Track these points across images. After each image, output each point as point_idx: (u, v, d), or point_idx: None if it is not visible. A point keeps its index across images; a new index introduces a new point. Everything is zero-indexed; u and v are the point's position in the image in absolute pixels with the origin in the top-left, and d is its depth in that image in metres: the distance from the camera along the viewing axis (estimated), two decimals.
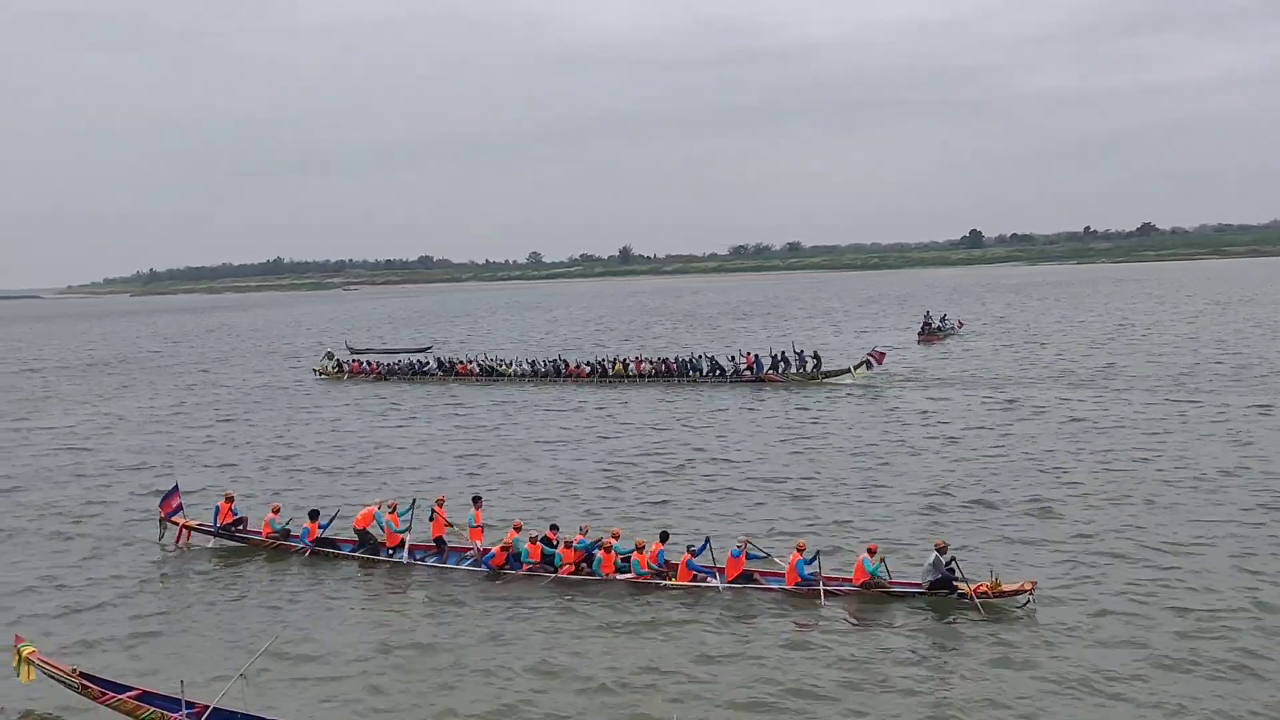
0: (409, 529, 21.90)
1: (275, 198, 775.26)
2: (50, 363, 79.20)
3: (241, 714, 13.31)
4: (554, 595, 19.08)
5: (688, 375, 49.81)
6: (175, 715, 13.31)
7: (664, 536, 20.22)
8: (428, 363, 57.60)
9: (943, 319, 75.65)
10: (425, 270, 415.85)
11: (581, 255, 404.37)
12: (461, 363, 55.89)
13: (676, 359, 51.89)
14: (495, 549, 20.51)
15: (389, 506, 22.50)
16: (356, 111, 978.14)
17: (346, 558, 21.94)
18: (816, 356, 50.26)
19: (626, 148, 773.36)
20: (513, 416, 41.15)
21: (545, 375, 52.25)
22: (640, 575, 19.33)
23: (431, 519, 21.73)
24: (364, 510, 22.93)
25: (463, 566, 20.91)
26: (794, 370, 49.01)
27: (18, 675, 14.09)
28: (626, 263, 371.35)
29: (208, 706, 13.20)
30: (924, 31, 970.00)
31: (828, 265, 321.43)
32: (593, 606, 18.41)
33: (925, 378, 48.23)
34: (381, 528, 22.10)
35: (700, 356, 52.01)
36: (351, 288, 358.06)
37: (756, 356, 50.47)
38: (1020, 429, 33.88)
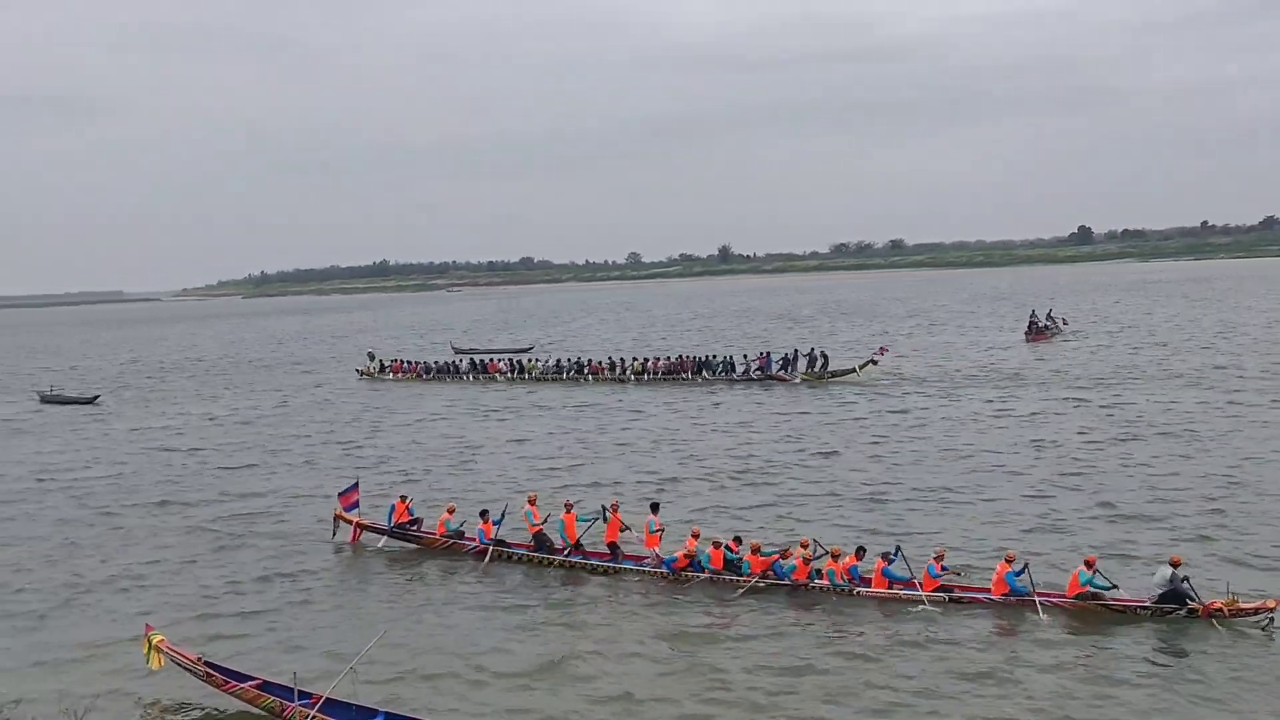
0: (584, 529, 21.51)
1: (381, 201, 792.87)
2: (171, 361, 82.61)
3: (355, 705, 13.88)
4: (746, 602, 18.78)
5: (700, 374, 51.87)
6: (291, 705, 13.93)
7: (860, 551, 19.37)
8: (461, 363, 60.91)
9: (1048, 317, 73.91)
10: (526, 271, 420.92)
11: (681, 255, 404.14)
12: (491, 361, 59.38)
13: (691, 357, 54.04)
14: (678, 554, 20.12)
15: (564, 506, 22.26)
16: (458, 114, 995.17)
17: (522, 559, 21.73)
18: (824, 356, 51.83)
19: (726, 146, 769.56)
20: (578, 417, 42.06)
21: (569, 373, 55.10)
22: (835, 585, 18.83)
23: (605, 522, 21.38)
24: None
25: (641, 568, 20.56)
26: (803, 370, 50.54)
27: (148, 662, 14.88)
28: (726, 262, 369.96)
29: (321, 697, 13.78)
30: (1031, 22, 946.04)
31: (931, 263, 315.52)
32: (800, 615, 17.97)
33: (1038, 378, 47.34)
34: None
35: (713, 356, 54.24)
36: (455, 289, 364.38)
37: (768, 356, 52.73)
38: (1174, 429, 32.99)
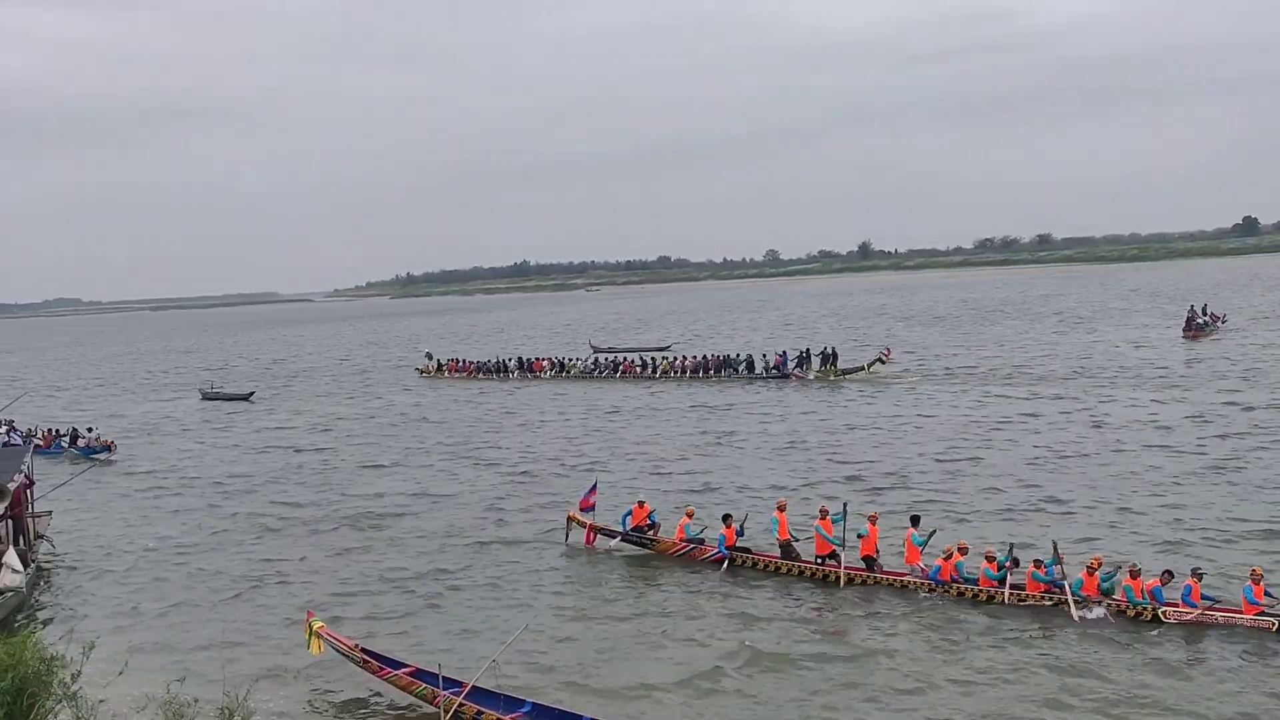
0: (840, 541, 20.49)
1: (524, 203, 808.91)
2: (319, 359, 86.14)
3: (502, 694, 14.44)
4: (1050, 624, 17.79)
5: (723, 373, 55.59)
6: (443, 692, 14.57)
7: (1167, 575, 17.93)
8: (510, 361, 64.82)
9: (1204, 312, 70.44)
10: (664, 270, 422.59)
11: (820, 252, 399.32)
12: (536, 360, 63.76)
13: (716, 356, 57.84)
14: (941, 563, 19.31)
15: (819, 512, 21.07)
16: (599, 117, 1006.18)
17: (767, 568, 21.09)
18: (835, 354, 54.72)
19: (866, 142, 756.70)
20: (658, 413, 43.89)
21: (604, 372, 59.63)
22: (1134, 603, 17.75)
23: (862, 536, 20.28)
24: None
25: (903, 581, 19.66)
26: (816, 368, 53.55)
27: (309, 647, 15.79)
28: (866, 258, 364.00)
29: (469, 685, 14.37)
30: (1185, 7, 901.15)
31: (1081, 258, 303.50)
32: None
33: (1196, 377, 45.36)
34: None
35: (737, 356, 57.39)
36: (593, 288, 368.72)
37: (784, 355, 55.60)
38: None
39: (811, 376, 52.77)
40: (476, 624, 18.84)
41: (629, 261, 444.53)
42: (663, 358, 59.99)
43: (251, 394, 59.39)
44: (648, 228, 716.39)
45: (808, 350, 55.78)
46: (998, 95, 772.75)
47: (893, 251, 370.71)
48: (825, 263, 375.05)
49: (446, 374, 65.48)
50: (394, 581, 21.64)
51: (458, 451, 37.21)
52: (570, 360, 62.61)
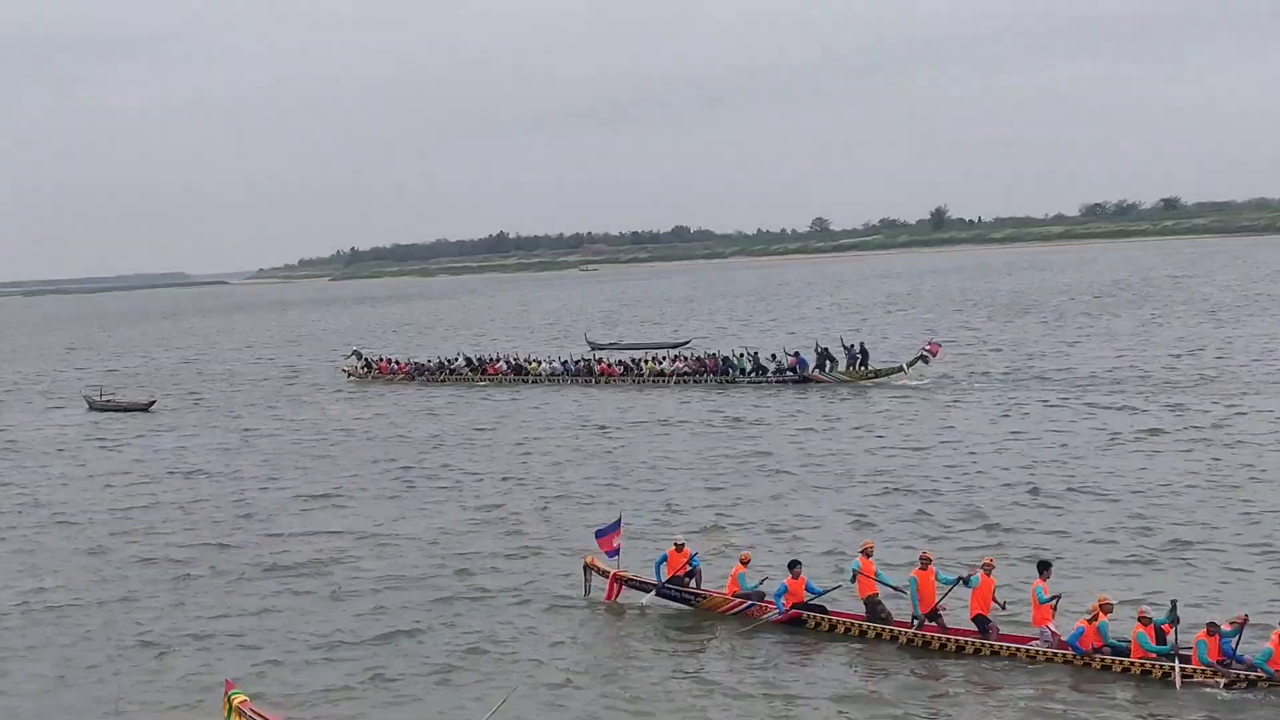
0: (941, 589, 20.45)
1: (498, 162, 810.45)
2: (234, 361, 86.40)
3: None
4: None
5: (727, 375, 57.64)
6: None
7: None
8: (456, 359, 67.23)
9: None
10: (681, 244, 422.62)
11: (881, 221, 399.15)
12: (492, 361, 65.66)
13: (715, 356, 59.91)
14: (1085, 624, 18.85)
15: (922, 560, 20.58)
16: (593, 52, 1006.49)
17: (849, 630, 20.96)
18: (864, 351, 56.50)
19: (946, 79, 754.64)
20: (661, 427, 45.42)
21: (577, 374, 61.55)
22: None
23: (972, 587, 20.01)
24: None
25: (1030, 648, 19.29)
26: (841, 368, 55.67)
27: None
28: (940, 228, 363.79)
29: None
30: None
31: (1217, 228, 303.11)
32: None
33: None
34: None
35: (741, 354, 59.23)
36: (590, 267, 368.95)
37: (799, 355, 57.63)
38: None
39: (835, 378, 55.29)
40: (437, 705, 19.06)
41: (636, 233, 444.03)
42: (652, 358, 62.50)
43: (151, 403, 59.75)
44: (659, 190, 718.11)
45: (826, 349, 57.97)
46: (1112, 19, 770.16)
47: (974, 220, 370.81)
48: (888, 234, 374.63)
49: (378, 375, 68.39)
50: (332, 646, 21.86)
51: (409, 476, 37.62)
52: (532, 361, 64.99)
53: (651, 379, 59.33)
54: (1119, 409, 43.64)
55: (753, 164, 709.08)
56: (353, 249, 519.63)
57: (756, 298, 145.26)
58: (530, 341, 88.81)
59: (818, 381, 55.18)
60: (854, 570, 21.13)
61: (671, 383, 58.26)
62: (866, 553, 21.24)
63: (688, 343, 79.54)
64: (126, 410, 58.79)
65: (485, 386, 62.21)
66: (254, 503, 34.76)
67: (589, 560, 23.72)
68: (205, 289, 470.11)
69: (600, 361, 63.47)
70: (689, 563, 22.77)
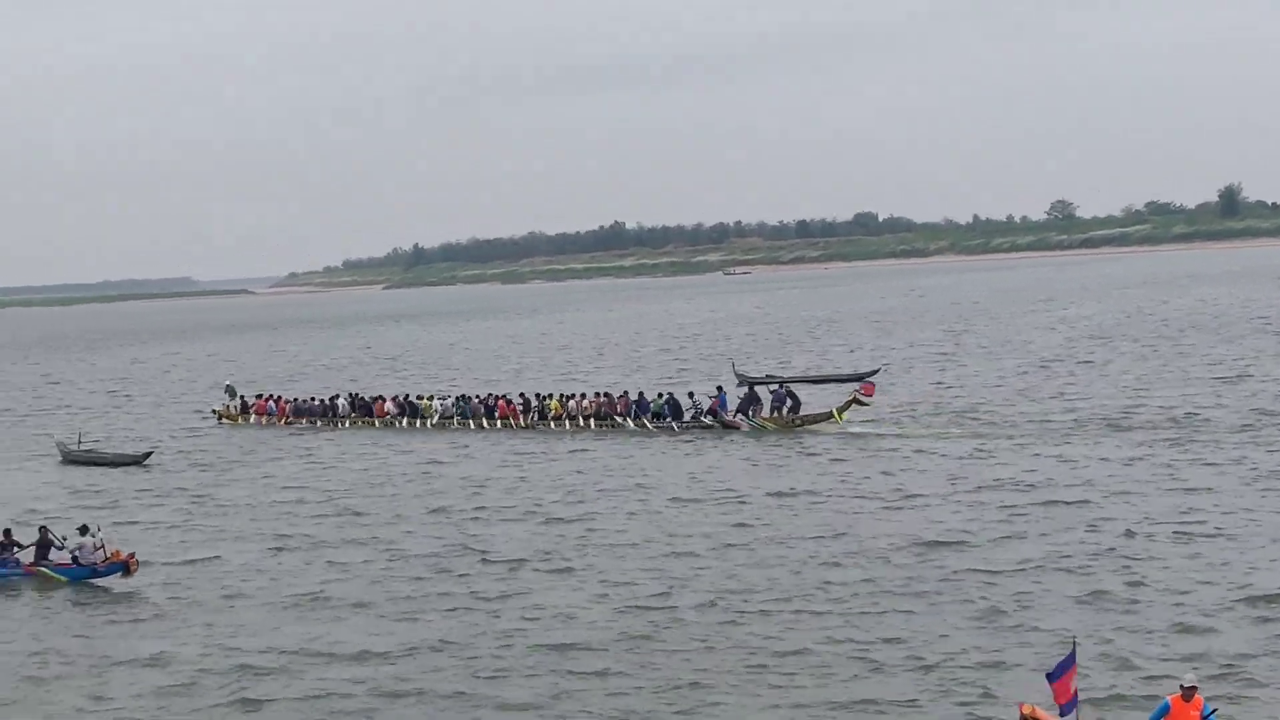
0: None
1: (606, 128, 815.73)
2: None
3: None
4: None
5: (632, 417, 63.63)
6: None
7: None
8: (336, 398, 74.22)
9: None
10: (865, 238, 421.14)
11: (1148, 204, 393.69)
12: (379, 399, 73.13)
13: (624, 396, 66.14)
14: None
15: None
16: None
17: None
18: (793, 395, 62.00)
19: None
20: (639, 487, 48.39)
21: (474, 415, 68.09)
22: None
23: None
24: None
25: None
26: (767, 413, 61.18)
27: None
28: (1231, 214, 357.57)
29: None
30: None
31: None
32: None
33: None
34: None
35: (660, 396, 65.38)
36: (737, 271, 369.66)
37: (721, 395, 63.44)
38: None
39: (749, 427, 60.96)
40: None
41: (802, 222, 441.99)
42: (549, 398, 68.28)
43: (147, 455, 59.74)
44: (830, 165, 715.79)
45: (751, 387, 65.60)
46: None
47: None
48: (1158, 222, 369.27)
49: (253, 417, 74.80)
50: None
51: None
52: (426, 401, 70.94)
53: (553, 421, 65.73)
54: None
55: (963, 126, 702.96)
56: (416, 246, 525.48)
57: (979, 310, 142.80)
58: (662, 366, 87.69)
59: (733, 427, 61.01)
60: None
61: (581, 428, 64.10)
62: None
63: (877, 371, 79.92)
64: (112, 465, 58.63)
65: (369, 429, 68.84)
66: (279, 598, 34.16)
67: (1029, 710, 22.34)
68: (216, 299, 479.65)
69: (502, 400, 69.03)
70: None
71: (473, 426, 66.75)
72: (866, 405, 59.51)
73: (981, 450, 51.89)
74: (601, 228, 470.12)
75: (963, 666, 26.55)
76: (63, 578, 37.63)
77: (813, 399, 66.40)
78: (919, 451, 52.53)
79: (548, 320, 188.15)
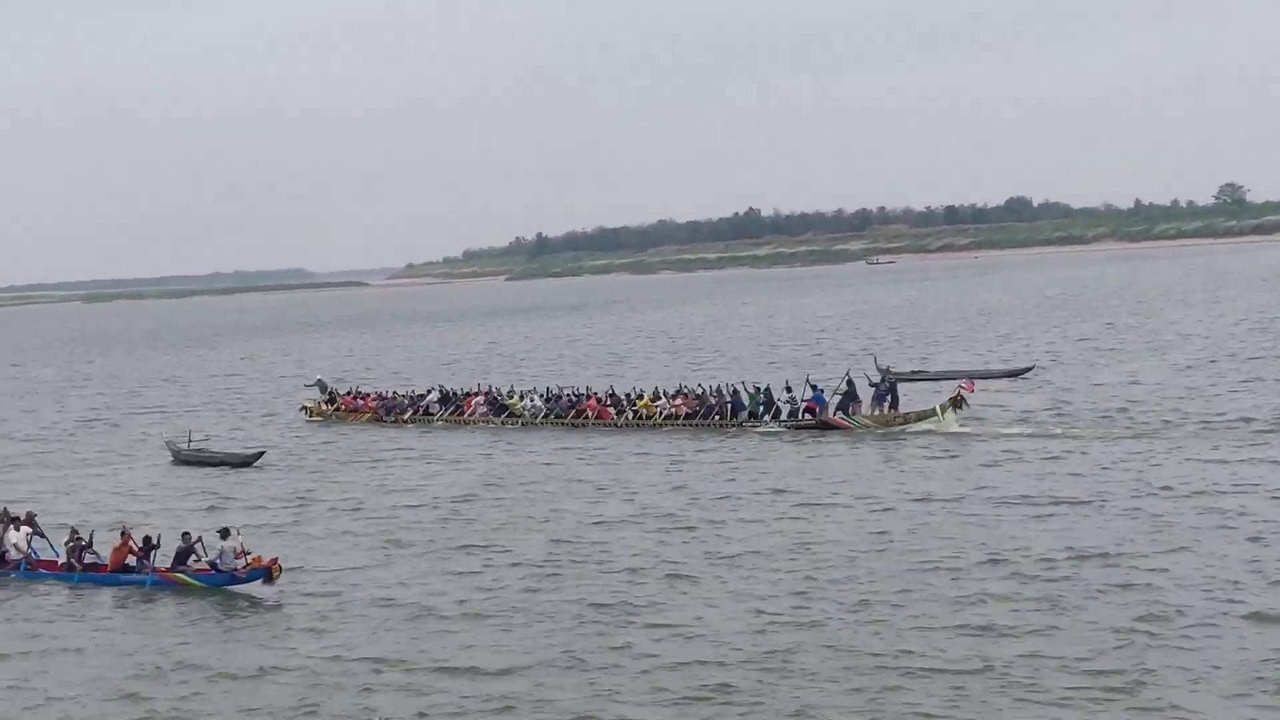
0: None
1: (738, 108, 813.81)
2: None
3: None
4: None
5: (727, 416, 63.46)
6: None
7: None
8: (427, 394, 75.51)
9: None
10: (1017, 224, 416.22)
11: None
12: (469, 395, 73.76)
13: (716, 390, 66.08)
14: None
15: None
16: None
17: None
18: (893, 392, 61.92)
19: None
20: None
21: (563, 414, 68.33)
22: None
23: None
24: None
25: None
26: (867, 410, 61.23)
27: None
28: None
29: None
30: None
31: None
32: None
33: None
34: None
35: (757, 389, 64.50)
36: (881, 260, 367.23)
37: (817, 393, 62.69)
38: None
39: (852, 424, 60.59)
40: None
41: (950, 208, 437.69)
42: (640, 396, 68.57)
43: (259, 455, 60.40)
44: (982, 147, 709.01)
45: (850, 380, 63.48)
46: None
47: None
48: None
49: (342, 413, 76.14)
50: None
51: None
52: (515, 398, 71.59)
53: (637, 423, 65.51)
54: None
55: (1125, 106, 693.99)
56: (539, 236, 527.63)
57: (1144, 306, 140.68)
58: (793, 359, 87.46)
59: (839, 427, 60.50)
60: None
61: (670, 426, 64.20)
62: None
63: (1030, 368, 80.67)
64: (222, 465, 59.44)
65: (460, 427, 69.60)
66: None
67: None
68: (331, 291, 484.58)
69: (592, 397, 69.29)
70: None
71: (562, 424, 67.13)
72: (968, 406, 59.25)
73: (1139, 452, 50.82)
74: (735, 214, 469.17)
75: (1115, 689, 25.86)
76: (200, 584, 37.34)
77: (914, 397, 66.32)
78: (1069, 454, 51.59)
79: (675, 314, 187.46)
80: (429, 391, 75.73)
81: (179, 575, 37.65)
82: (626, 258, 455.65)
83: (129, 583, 37.90)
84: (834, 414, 61.02)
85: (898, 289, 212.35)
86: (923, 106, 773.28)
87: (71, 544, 39.58)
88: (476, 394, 73.36)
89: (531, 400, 70.40)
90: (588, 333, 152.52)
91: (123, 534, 39.30)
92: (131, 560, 38.38)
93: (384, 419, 73.49)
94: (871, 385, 63.20)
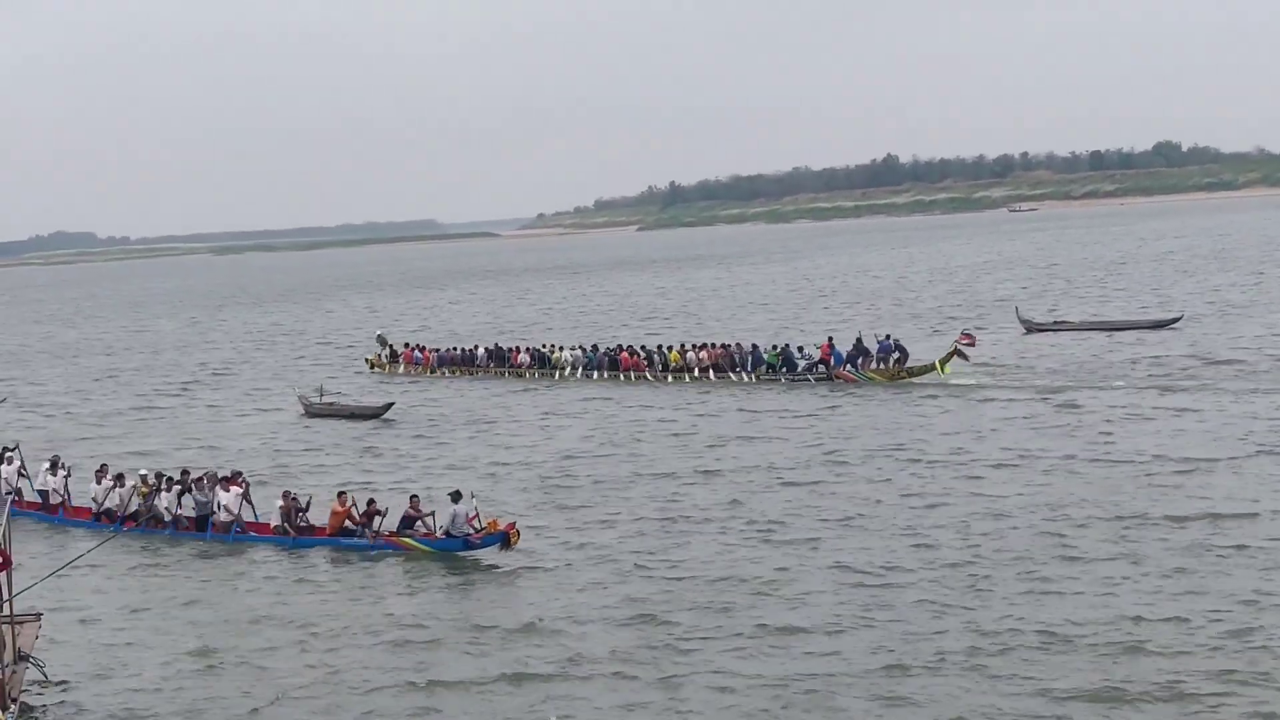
0: None
1: (875, 52, 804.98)
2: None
3: None
4: None
5: (747, 369, 68.19)
6: None
7: None
8: (476, 348, 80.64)
9: None
10: (1165, 170, 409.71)
11: None
12: (514, 349, 79.24)
13: (739, 346, 70.67)
14: None
15: None
16: None
17: None
18: (900, 347, 65.68)
19: None
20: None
21: (600, 367, 73.21)
22: None
23: None
24: None
25: None
26: (875, 365, 65.25)
27: None
28: None
29: None
30: None
31: None
32: None
33: None
34: None
35: (775, 347, 70.21)
36: (1022, 208, 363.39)
37: (833, 347, 66.88)
38: None
39: (860, 378, 64.56)
40: None
41: (1096, 153, 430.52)
42: (670, 349, 72.96)
43: (388, 406, 61.93)
44: (1127, 88, 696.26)
45: (859, 339, 67.42)
46: None
47: None
48: None
49: (402, 366, 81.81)
50: None
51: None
52: (557, 352, 75.99)
53: (672, 374, 70.04)
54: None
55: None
56: (672, 184, 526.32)
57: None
58: (949, 313, 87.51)
59: (847, 379, 64.52)
60: None
61: (700, 380, 68.27)
62: None
63: (1179, 317, 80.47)
64: (353, 417, 61.21)
65: (509, 379, 74.40)
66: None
67: None
68: (460, 243, 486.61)
69: (625, 350, 74.32)
70: None
71: (597, 377, 71.77)
72: (967, 359, 61.77)
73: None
74: (873, 161, 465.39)
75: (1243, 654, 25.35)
76: (428, 548, 36.61)
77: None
78: (1204, 409, 50.89)
79: (812, 264, 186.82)
80: (476, 347, 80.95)
81: (405, 539, 36.80)
82: (761, 207, 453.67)
83: (350, 546, 37.26)
84: (845, 368, 64.73)
85: (1039, 236, 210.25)
86: (1066, 49, 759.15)
87: (286, 506, 38.98)
88: (521, 349, 78.47)
89: (573, 353, 75.00)
90: (719, 283, 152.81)
91: (340, 497, 38.60)
92: (350, 525, 37.88)
93: (439, 370, 79.11)
94: (879, 342, 65.94)
